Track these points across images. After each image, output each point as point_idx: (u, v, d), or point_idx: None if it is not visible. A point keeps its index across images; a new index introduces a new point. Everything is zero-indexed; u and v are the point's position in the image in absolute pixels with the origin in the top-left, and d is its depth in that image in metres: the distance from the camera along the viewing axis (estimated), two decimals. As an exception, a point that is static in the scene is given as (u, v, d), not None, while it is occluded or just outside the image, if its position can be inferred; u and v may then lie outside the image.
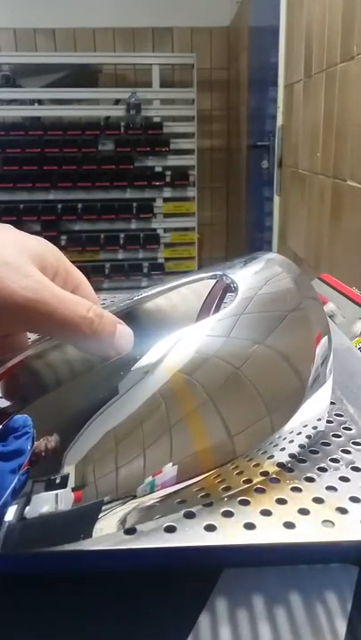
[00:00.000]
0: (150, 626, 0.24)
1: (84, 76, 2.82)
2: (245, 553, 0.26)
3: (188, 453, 0.27)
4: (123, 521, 0.26)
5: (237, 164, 2.92)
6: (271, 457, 0.30)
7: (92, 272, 2.78)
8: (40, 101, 2.88)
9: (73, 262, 0.31)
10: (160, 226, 2.92)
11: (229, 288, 0.36)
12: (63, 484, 0.25)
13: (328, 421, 0.36)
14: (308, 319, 0.34)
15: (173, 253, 2.97)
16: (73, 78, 2.76)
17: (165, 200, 2.89)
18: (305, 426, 0.32)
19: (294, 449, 0.31)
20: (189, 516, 0.27)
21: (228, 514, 0.27)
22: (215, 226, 3.33)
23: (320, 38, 1.28)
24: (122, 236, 2.87)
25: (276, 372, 0.31)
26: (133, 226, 2.89)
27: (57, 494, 0.25)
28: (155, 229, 2.92)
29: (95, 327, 0.27)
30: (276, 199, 1.83)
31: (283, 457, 0.31)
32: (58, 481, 0.25)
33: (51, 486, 0.25)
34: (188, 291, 0.37)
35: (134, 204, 2.85)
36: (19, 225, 0.29)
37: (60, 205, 2.81)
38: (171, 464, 0.27)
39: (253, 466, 0.29)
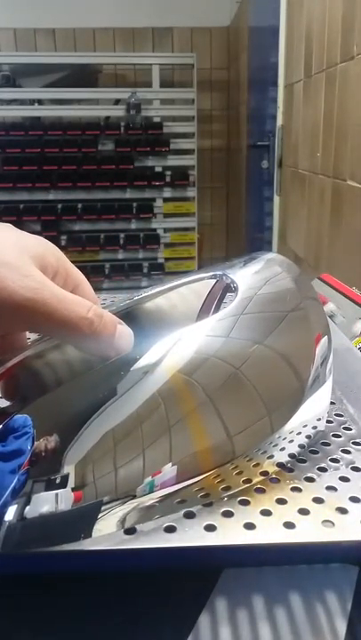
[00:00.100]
0: (150, 626, 0.24)
1: (84, 76, 2.82)
2: (245, 553, 0.26)
3: (187, 453, 0.27)
4: (122, 521, 0.26)
5: (237, 164, 2.92)
6: (271, 457, 0.30)
7: (92, 272, 2.78)
8: (40, 101, 2.88)
9: (73, 262, 0.31)
10: (160, 226, 2.92)
11: (229, 288, 0.36)
12: (63, 484, 0.25)
13: (328, 421, 0.36)
14: (308, 319, 0.34)
15: (173, 253, 2.97)
16: (73, 78, 2.76)
17: (165, 200, 2.89)
18: (305, 426, 0.32)
19: (294, 449, 0.31)
20: (189, 515, 0.27)
21: (228, 514, 0.27)
22: (215, 226, 3.33)
23: (320, 38, 1.28)
24: (122, 235, 2.87)
25: (275, 372, 0.31)
26: (133, 226, 2.89)
27: (57, 494, 0.25)
28: (155, 229, 2.92)
29: (95, 327, 0.27)
30: (276, 199, 1.83)
31: (283, 457, 0.31)
32: (58, 481, 0.25)
33: (51, 486, 0.25)
34: (187, 291, 0.37)
35: (134, 204, 2.85)
36: (19, 225, 0.29)
37: (60, 205, 2.81)
38: (170, 464, 0.27)
39: (253, 466, 0.29)
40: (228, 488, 0.28)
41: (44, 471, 0.25)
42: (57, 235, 2.77)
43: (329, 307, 0.61)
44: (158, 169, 2.84)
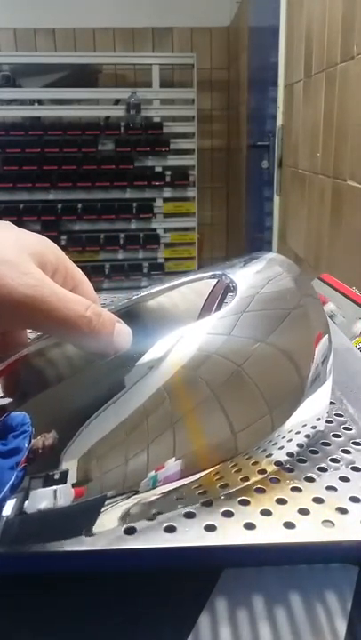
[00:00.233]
0: (150, 626, 0.24)
1: (84, 76, 2.83)
2: (245, 553, 0.26)
3: (190, 449, 0.28)
4: (121, 517, 0.26)
5: (237, 164, 2.92)
6: (270, 455, 0.30)
7: (92, 272, 2.78)
8: (40, 101, 2.88)
9: (73, 262, 0.31)
10: (160, 226, 2.92)
11: (230, 288, 0.36)
12: (62, 480, 0.25)
13: (328, 421, 0.36)
14: (308, 318, 0.34)
15: (173, 253, 2.97)
16: (73, 78, 2.76)
17: (165, 200, 2.89)
18: (304, 425, 0.32)
19: (293, 448, 0.31)
20: (189, 515, 0.27)
21: (228, 514, 0.27)
22: (215, 226, 3.33)
23: (320, 38, 1.28)
24: (122, 235, 2.87)
25: (275, 370, 0.31)
26: (133, 226, 2.89)
27: (55, 490, 0.25)
28: (155, 229, 2.92)
29: (93, 326, 0.27)
30: (276, 199, 1.83)
31: (281, 455, 0.31)
32: (57, 477, 0.25)
33: (49, 482, 0.25)
34: (189, 290, 0.37)
35: (134, 204, 2.85)
36: (19, 225, 0.29)
37: (60, 205, 2.81)
38: (174, 459, 0.27)
39: (252, 464, 0.29)
40: (225, 486, 0.28)
41: (43, 467, 0.25)
42: (57, 235, 2.77)
43: (329, 307, 0.61)
44: (158, 169, 2.84)
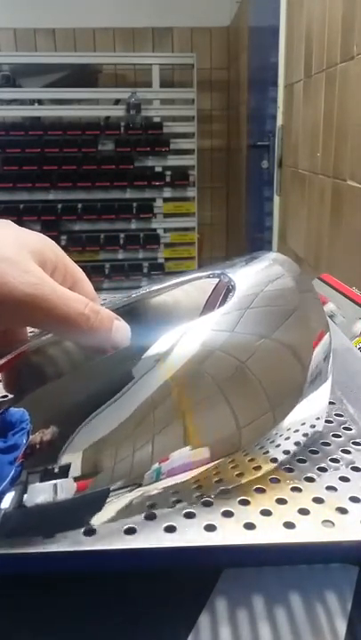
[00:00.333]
0: (150, 626, 0.24)
1: (84, 76, 2.82)
2: (245, 553, 0.26)
3: (192, 443, 0.28)
4: (119, 511, 0.26)
5: (237, 164, 2.92)
6: (266, 452, 0.30)
7: (92, 272, 2.78)
8: (40, 101, 2.88)
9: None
10: (160, 226, 2.92)
11: (230, 287, 0.36)
12: (63, 474, 0.25)
13: (328, 421, 0.36)
14: (308, 318, 0.35)
15: (173, 253, 2.96)
16: (73, 78, 2.76)
17: (165, 200, 2.89)
18: (303, 424, 0.32)
19: (290, 446, 0.31)
20: (189, 516, 0.27)
21: (228, 514, 0.27)
22: (215, 226, 3.33)
23: (320, 38, 1.28)
24: (122, 235, 2.87)
25: (274, 367, 0.31)
26: (133, 226, 2.89)
27: (55, 484, 0.25)
28: (155, 229, 2.92)
29: (91, 323, 0.28)
30: (276, 199, 1.83)
31: (277, 453, 0.31)
32: (56, 471, 0.25)
33: (49, 476, 0.25)
34: (191, 288, 0.37)
35: (134, 204, 2.85)
36: (19, 225, 0.30)
37: (60, 205, 2.81)
38: (176, 453, 0.27)
39: (248, 460, 0.29)
40: (220, 481, 0.29)
41: (43, 462, 0.25)
42: (57, 235, 2.77)
43: (329, 307, 0.61)
44: (158, 169, 2.84)
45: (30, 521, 0.25)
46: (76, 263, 0.32)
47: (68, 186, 2.76)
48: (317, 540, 0.26)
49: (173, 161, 2.85)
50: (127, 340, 0.29)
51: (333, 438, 0.34)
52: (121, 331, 0.29)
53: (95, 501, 0.26)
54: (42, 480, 0.25)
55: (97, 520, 0.26)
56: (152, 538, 0.25)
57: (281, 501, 0.28)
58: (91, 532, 0.26)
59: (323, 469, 0.31)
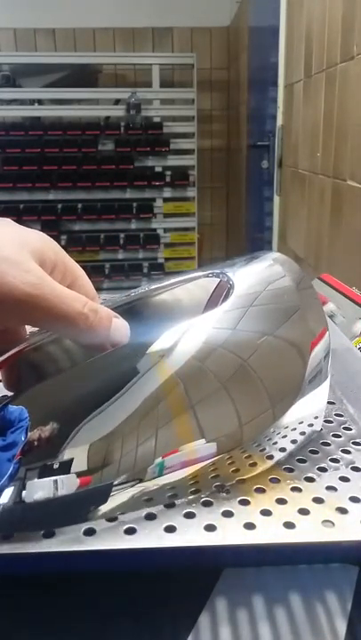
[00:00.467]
0: (150, 626, 0.24)
1: (84, 76, 2.82)
2: (245, 553, 0.26)
3: (196, 438, 0.28)
4: (117, 507, 0.26)
5: (237, 164, 2.92)
6: (263, 450, 0.30)
7: (92, 272, 2.78)
8: (40, 101, 2.87)
9: None
10: (160, 226, 2.92)
11: (231, 286, 0.36)
12: (64, 470, 0.25)
13: (328, 421, 0.36)
14: (308, 317, 0.35)
15: (173, 253, 2.96)
16: (73, 78, 2.76)
17: (165, 200, 2.89)
18: (301, 422, 0.32)
19: (287, 444, 0.31)
20: (189, 516, 0.27)
21: (228, 514, 0.27)
22: (215, 226, 3.33)
23: (320, 38, 1.28)
24: (122, 235, 2.87)
25: (275, 365, 0.32)
26: (133, 226, 2.89)
27: (56, 480, 0.25)
28: (155, 229, 2.92)
29: (90, 322, 0.28)
30: (276, 199, 1.83)
31: (274, 450, 0.31)
32: (56, 467, 0.25)
33: (48, 473, 0.25)
34: (192, 287, 0.37)
35: (134, 204, 2.85)
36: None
37: (60, 205, 2.81)
38: (179, 448, 0.27)
39: (245, 457, 0.30)
40: (216, 477, 0.29)
41: (44, 458, 0.26)
42: (57, 235, 2.77)
43: (329, 307, 0.61)
44: (158, 169, 2.84)
45: (31, 515, 0.25)
46: (77, 263, 0.32)
47: (68, 186, 2.76)
48: (317, 539, 0.26)
49: (173, 161, 2.85)
50: (126, 338, 0.29)
51: (333, 438, 0.34)
52: (120, 329, 0.29)
53: (98, 496, 0.26)
54: (41, 476, 0.25)
55: (97, 514, 0.26)
56: (152, 538, 0.26)
57: (281, 501, 0.28)
58: (91, 531, 0.26)
59: (323, 469, 0.31)
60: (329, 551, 0.27)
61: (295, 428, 0.32)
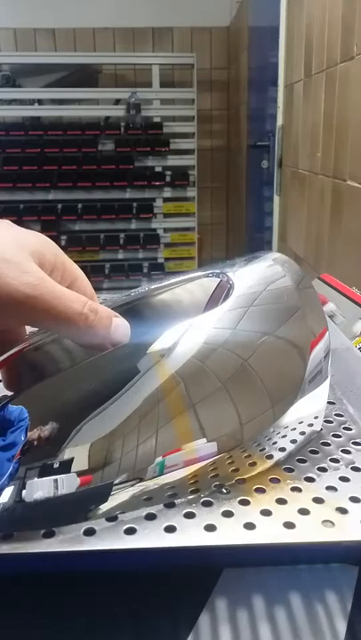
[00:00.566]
0: (150, 626, 0.24)
1: (84, 76, 2.82)
2: (245, 553, 0.26)
3: (196, 437, 0.28)
4: (116, 506, 0.26)
5: (237, 164, 2.92)
6: (263, 449, 0.30)
7: (92, 272, 2.78)
8: (40, 101, 2.87)
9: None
10: (160, 226, 2.92)
11: (232, 286, 0.36)
12: (65, 469, 0.25)
13: (328, 421, 0.36)
14: (308, 317, 0.35)
15: (173, 253, 2.96)
16: (73, 78, 2.76)
17: (165, 200, 2.89)
18: (300, 422, 0.32)
19: (286, 444, 0.31)
20: (189, 516, 0.27)
21: (228, 514, 0.27)
22: (215, 226, 3.33)
23: (320, 38, 1.28)
24: (122, 236, 2.87)
25: (275, 365, 0.32)
26: (133, 226, 2.89)
27: (56, 479, 0.25)
28: (155, 229, 2.92)
29: (90, 322, 0.28)
30: (276, 199, 1.83)
31: (273, 450, 0.31)
32: (56, 466, 0.25)
33: (48, 472, 0.25)
34: (192, 287, 0.38)
35: (134, 204, 2.85)
36: (19, 225, 0.30)
37: (60, 205, 2.81)
38: (181, 447, 0.27)
39: (245, 457, 0.30)
40: (216, 476, 0.29)
41: (44, 458, 0.26)
42: (57, 235, 2.77)
43: (329, 307, 0.61)
44: (158, 169, 2.84)
45: (31, 514, 0.25)
46: (76, 263, 0.32)
47: (68, 186, 2.76)
48: (317, 540, 0.26)
49: (173, 161, 2.85)
50: (126, 338, 0.29)
51: (333, 438, 0.34)
52: (120, 328, 0.29)
53: (98, 495, 0.26)
54: (42, 475, 0.25)
55: (97, 513, 0.26)
56: (152, 538, 0.26)
57: (281, 501, 0.28)
58: (91, 531, 0.26)
59: (323, 469, 0.31)
60: (329, 551, 0.27)
61: (295, 428, 0.32)
